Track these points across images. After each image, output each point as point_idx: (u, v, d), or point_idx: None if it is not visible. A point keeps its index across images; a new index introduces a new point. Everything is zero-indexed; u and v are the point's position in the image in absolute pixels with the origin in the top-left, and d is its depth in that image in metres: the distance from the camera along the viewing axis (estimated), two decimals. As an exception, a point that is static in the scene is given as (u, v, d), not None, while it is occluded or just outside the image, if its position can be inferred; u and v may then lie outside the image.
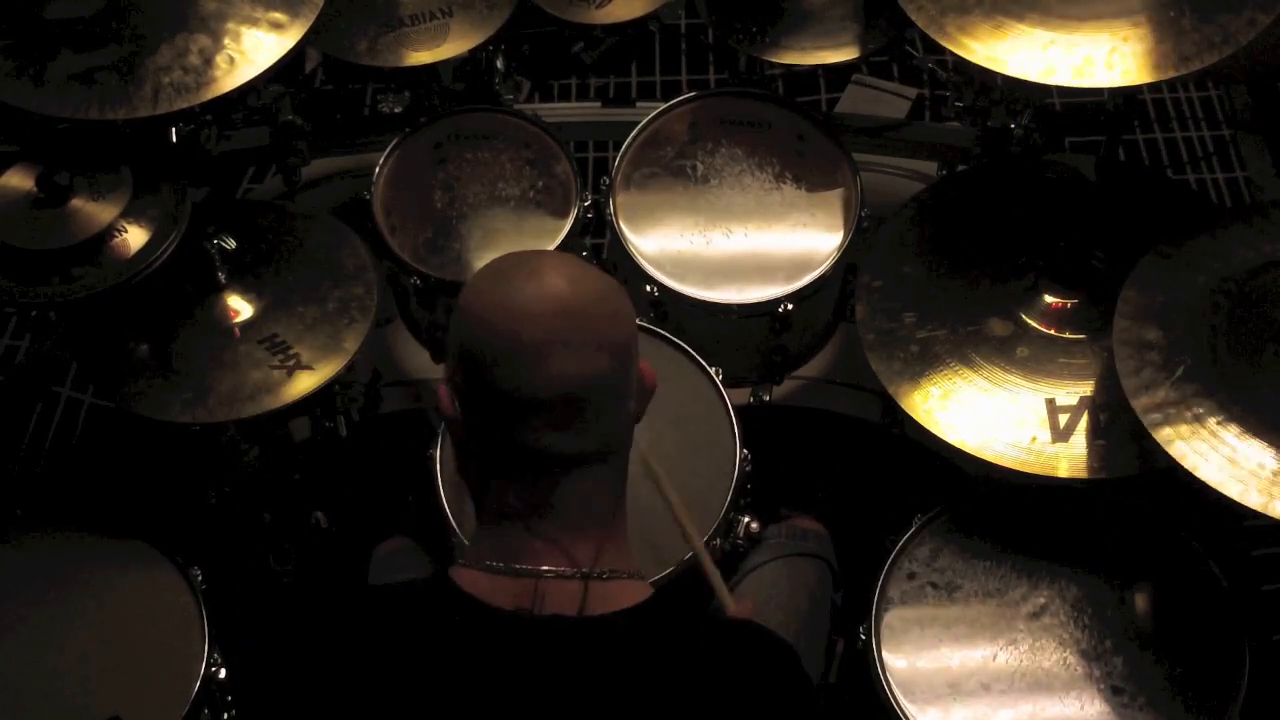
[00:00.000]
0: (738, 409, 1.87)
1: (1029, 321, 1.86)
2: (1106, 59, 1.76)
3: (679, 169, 2.17)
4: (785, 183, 2.15)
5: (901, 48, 2.67)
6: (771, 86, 2.42)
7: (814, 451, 2.32)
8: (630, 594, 1.22)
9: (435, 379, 2.22)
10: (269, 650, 1.70)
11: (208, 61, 1.84)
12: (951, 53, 1.84)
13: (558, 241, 2.08)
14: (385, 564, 1.91)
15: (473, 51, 2.18)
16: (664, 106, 2.21)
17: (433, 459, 1.81)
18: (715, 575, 1.50)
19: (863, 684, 1.69)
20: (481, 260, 2.06)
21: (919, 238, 1.99)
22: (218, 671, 1.71)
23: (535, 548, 1.20)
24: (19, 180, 1.82)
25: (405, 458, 1.95)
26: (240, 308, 1.92)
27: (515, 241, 2.10)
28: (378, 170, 2.15)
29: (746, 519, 1.85)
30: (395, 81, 2.45)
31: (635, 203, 2.14)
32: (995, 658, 1.68)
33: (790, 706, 1.22)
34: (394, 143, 2.18)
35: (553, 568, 1.19)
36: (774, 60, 2.22)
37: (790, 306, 2.02)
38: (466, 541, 1.64)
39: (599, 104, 2.67)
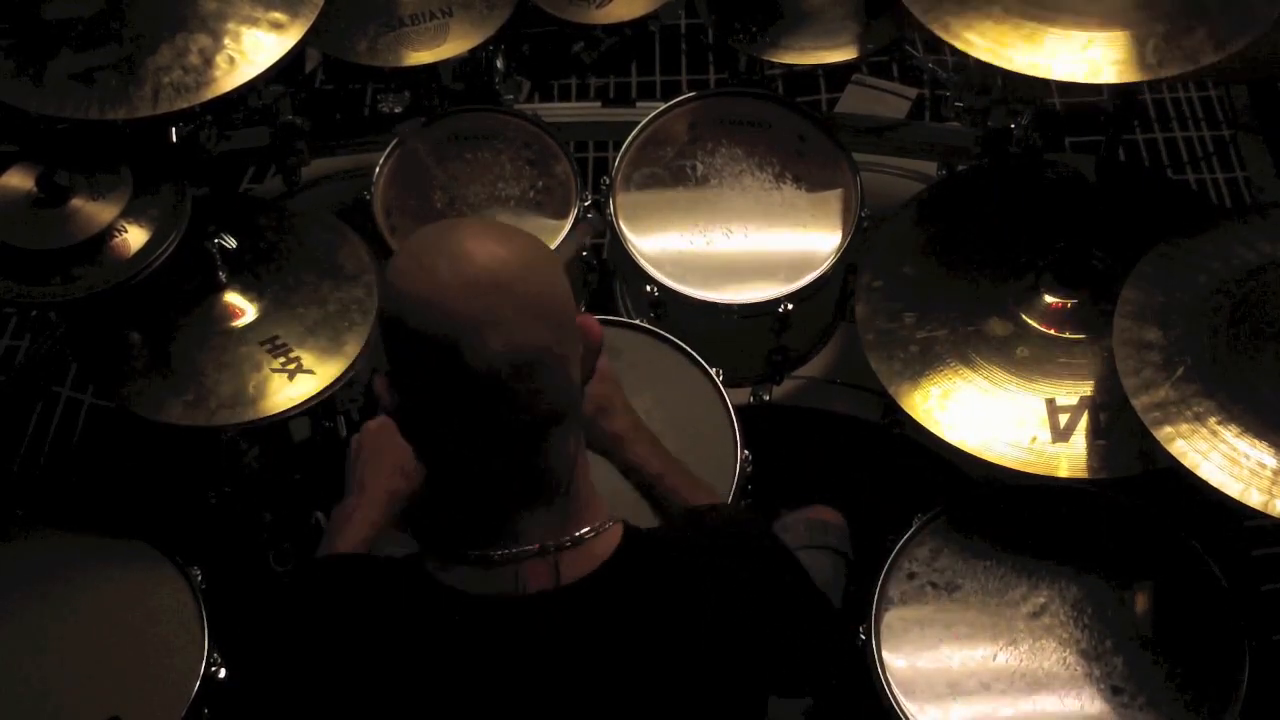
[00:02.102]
0: (738, 409, 1.87)
1: (1029, 321, 1.86)
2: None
3: (679, 169, 2.17)
4: (785, 183, 2.15)
5: (901, 48, 2.67)
6: (771, 86, 2.42)
7: (814, 451, 2.32)
8: (603, 546, 1.21)
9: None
10: (266, 648, 1.69)
11: (208, 61, 1.84)
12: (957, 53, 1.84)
13: (557, 241, 2.08)
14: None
15: (473, 51, 2.18)
16: (664, 106, 2.21)
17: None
18: None
19: (863, 684, 1.69)
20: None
21: (919, 238, 1.99)
22: (218, 671, 1.71)
23: (500, 528, 1.19)
24: (19, 180, 1.82)
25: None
26: (241, 308, 1.92)
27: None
28: (378, 170, 2.15)
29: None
30: (395, 81, 2.45)
31: (635, 203, 2.14)
32: (995, 658, 1.68)
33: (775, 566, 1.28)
34: (394, 143, 2.18)
35: (522, 547, 1.18)
36: (774, 60, 2.22)
37: (790, 306, 2.02)
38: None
39: (599, 104, 2.67)
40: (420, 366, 1.13)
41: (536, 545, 1.18)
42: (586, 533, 1.20)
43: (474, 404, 1.13)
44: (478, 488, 1.19)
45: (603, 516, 1.23)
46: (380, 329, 1.17)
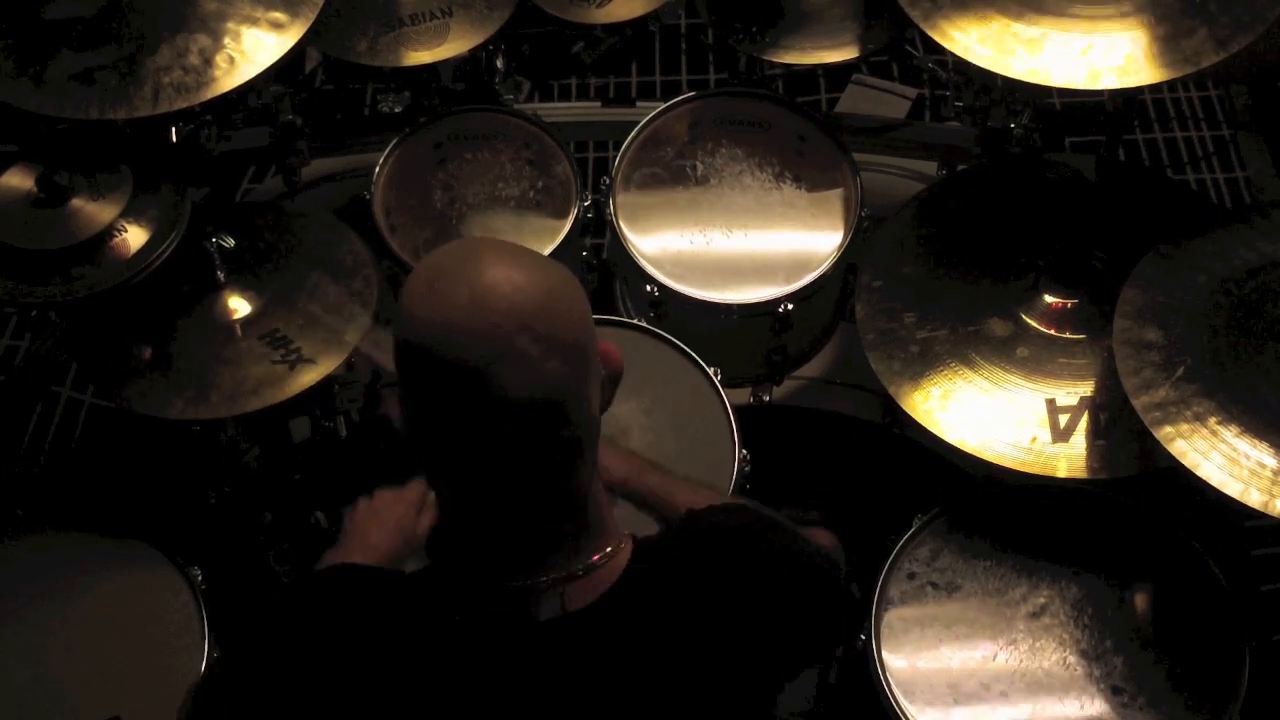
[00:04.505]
0: (737, 409, 1.88)
1: (1029, 321, 1.86)
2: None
3: (679, 169, 2.17)
4: (785, 183, 2.15)
5: (901, 48, 2.67)
6: (771, 86, 2.42)
7: (814, 451, 2.32)
8: (612, 570, 1.20)
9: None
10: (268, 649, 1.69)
11: (208, 61, 1.84)
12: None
13: (557, 241, 2.08)
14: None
15: (473, 51, 2.19)
16: (664, 106, 2.21)
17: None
18: None
19: (863, 684, 1.69)
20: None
21: (919, 238, 1.99)
22: (218, 672, 1.71)
23: (516, 558, 1.18)
24: (19, 180, 1.82)
25: (405, 458, 1.95)
26: (240, 305, 1.92)
27: (515, 242, 2.09)
28: (378, 170, 2.15)
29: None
30: (395, 81, 2.45)
31: (635, 203, 2.14)
32: (995, 658, 1.68)
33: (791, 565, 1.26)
34: (394, 143, 2.18)
35: (535, 578, 1.17)
36: (774, 60, 2.22)
37: (790, 306, 2.02)
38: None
39: (599, 104, 2.67)
40: (437, 397, 1.12)
41: (550, 576, 1.17)
42: (598, 560, 1.20)
43: (491, 438, 1.11)
44: (494, 517, 1.18)
45: (615, 541, 1.22)
46: (396, 354, 1.14)
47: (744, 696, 1.21)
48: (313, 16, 1.90)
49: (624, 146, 2.18)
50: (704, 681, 1.18)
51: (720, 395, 1.89)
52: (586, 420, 1.16)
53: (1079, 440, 1.75)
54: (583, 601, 1.17)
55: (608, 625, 1.18)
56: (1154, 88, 3.04)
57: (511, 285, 1.10)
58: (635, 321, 2.02)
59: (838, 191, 2.13)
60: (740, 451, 1.83)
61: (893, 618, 1.72)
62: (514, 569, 1.17)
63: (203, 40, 1.85)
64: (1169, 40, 1.76)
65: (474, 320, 1.08)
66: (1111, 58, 1.77)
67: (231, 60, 1.84)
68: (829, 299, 2.17)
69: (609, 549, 1.21)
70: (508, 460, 1.13)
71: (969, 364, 1.83)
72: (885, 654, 1.69)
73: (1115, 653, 1.66)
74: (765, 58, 2.22)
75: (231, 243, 1.94)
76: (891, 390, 1.82)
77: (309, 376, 1.85)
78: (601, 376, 1.19)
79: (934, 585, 1.75)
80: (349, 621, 1.21)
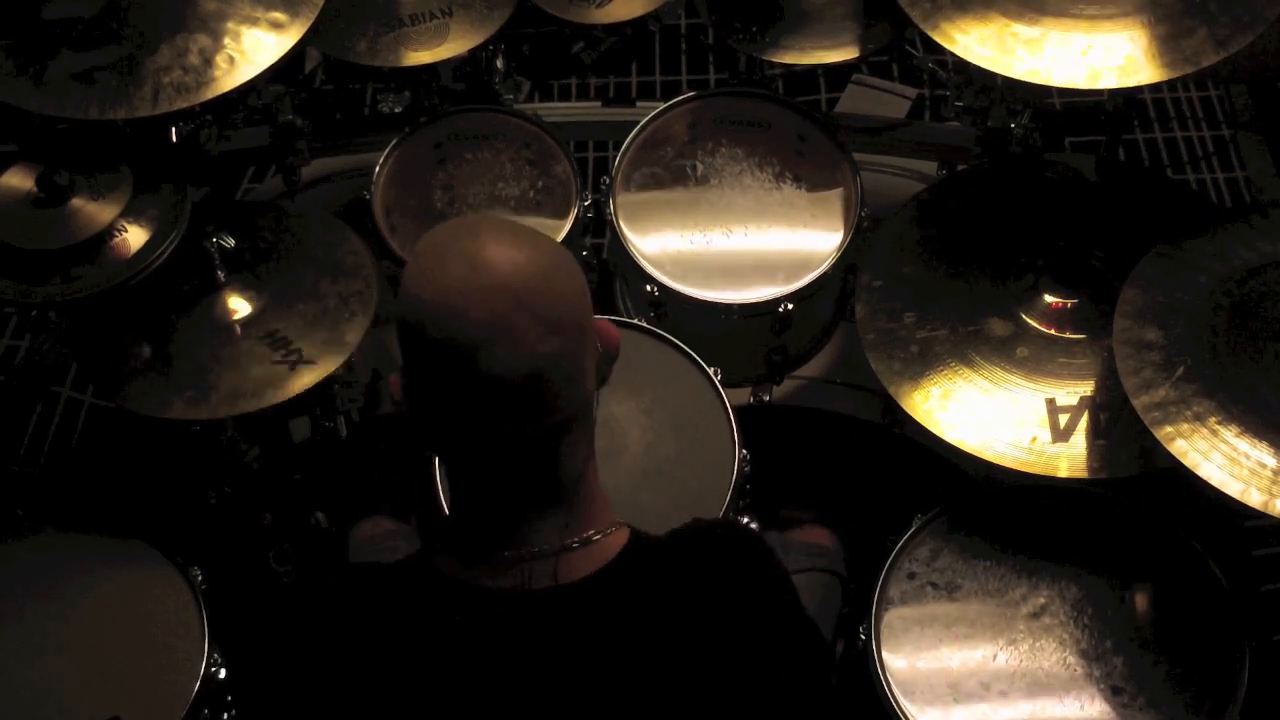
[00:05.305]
0: (737, 409, 1.88)
1: (1029, 321, 1.86)
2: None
3: (679, 169, 2.17)
4: (785, 183, 2.15)
5: (901, 48, 2.67)
6: (771, 86, 2.42)
7: (814, 451, 2.32)
8: (608, 548, 1.22)
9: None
10: (269, 649, 1.70)
11: (208, 61, 1.84)
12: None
13: (557, 241, 2.07)
14: (368, 547, 1.90)
15: (473, 51, 2.18)
16: (664, 106, 2.21)
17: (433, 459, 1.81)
18: None
19: (863, 684, 1.69)
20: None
21: (919, 238, 1.99)
22: (218, 671, 1.71)
23: (511, 530, 1.19)
24: (19, 180, 1.82)
25: (405, 457, 1.95)
26: (240, 306, 1.92)
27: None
28: (378, 170, 2.15)
29: (745, 520, 1.85)
30: (395, 81, 2.45)
31: (635, 202, 2.14)
32: (995, 658, 1.68)
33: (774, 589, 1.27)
34: (394, 143, 2.18)
35: (530, 549, 1.19)
36: (774, 60, 2.22)
37: (790, 306, 2.02)
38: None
39: (599, 104, 2.67)
40: (435, 371, 1.13)
41: (544, 547, 1.18)
42: (593, 535, 1.21)
43: (488, 411, 1.13)
44: (490, 491, 1.20)
45: (609, 519, 1.24)
46: (396, 331, 1.16)
47: (720, 700, 1.21)
48: (313, 16, 1.90)
49: (624, 146, 2.18)
50: (686, 673, 1.19)
51: (720, 395, 1.89)
52: (581, 397, 1.18)
53: (1079, 440, 1.75)
54: (575, 575, 1.18)
55: (599, 601, 1.19)
56: (1154, 88, 3.04)
57: (509, 263, 1.11)
58: (635, 321, 2.02)
59: (838, 191, 2.13)
60: (740, 451, 1.83)
61: (893, 618, 1.72)
62: (508, 540, 1.19)
63: (203, 40, 1.85)
64: (1169, 40, 1.76)
65: (470, 298, 1.10)
66: (1111, 58, 1.77)
67: (231, 60, 1.84)
68: (829, 299, 2.17)
69: (604, 525, 1.22)
70: (502, 435, 1.14)
71: (969, 364, 1.83)
72: (885, 654, 1.69)
73: (1115, 653, 1.66)
74: (765, 58, 2.22)
75: (231, 242, 1.94)
76: (891, 390, 1.82)
77: (309, 377, 1.85)
78: (598, 354, 1.20)
79: (934, 585, 1.75)
80: (351, 607, 1.22)
